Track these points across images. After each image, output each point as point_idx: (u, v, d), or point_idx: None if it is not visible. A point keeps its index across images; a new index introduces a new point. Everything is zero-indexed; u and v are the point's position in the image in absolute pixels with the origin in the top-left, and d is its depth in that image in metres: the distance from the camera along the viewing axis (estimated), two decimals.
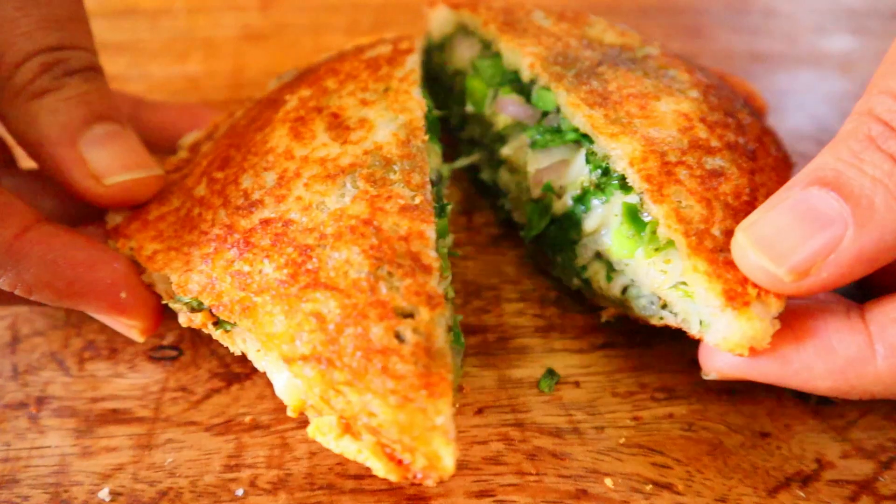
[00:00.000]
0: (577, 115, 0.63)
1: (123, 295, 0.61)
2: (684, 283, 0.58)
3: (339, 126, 0.64)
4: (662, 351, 0.69)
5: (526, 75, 0.69)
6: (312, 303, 0.53)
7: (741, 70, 0.96)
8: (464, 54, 0.80)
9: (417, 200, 0.57)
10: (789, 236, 0.51)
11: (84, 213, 0.69)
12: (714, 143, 0.63)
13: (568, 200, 0.67)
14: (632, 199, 0.61)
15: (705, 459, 0.61)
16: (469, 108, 0.77)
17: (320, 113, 0.66)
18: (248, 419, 0.64)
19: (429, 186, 0.59)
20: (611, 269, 0.65)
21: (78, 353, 0.70)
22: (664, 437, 0.63)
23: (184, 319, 0.61)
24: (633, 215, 0.61)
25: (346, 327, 0.52)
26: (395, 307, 0.52)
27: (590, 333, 0.71)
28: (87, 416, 0.65)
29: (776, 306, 0.54)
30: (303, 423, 0.64)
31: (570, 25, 0.75)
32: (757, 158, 0.64)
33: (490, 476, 0.60)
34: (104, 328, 0.71)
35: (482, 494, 0.59)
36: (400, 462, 0.50)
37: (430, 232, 0.56)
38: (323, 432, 0.53)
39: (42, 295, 0.59)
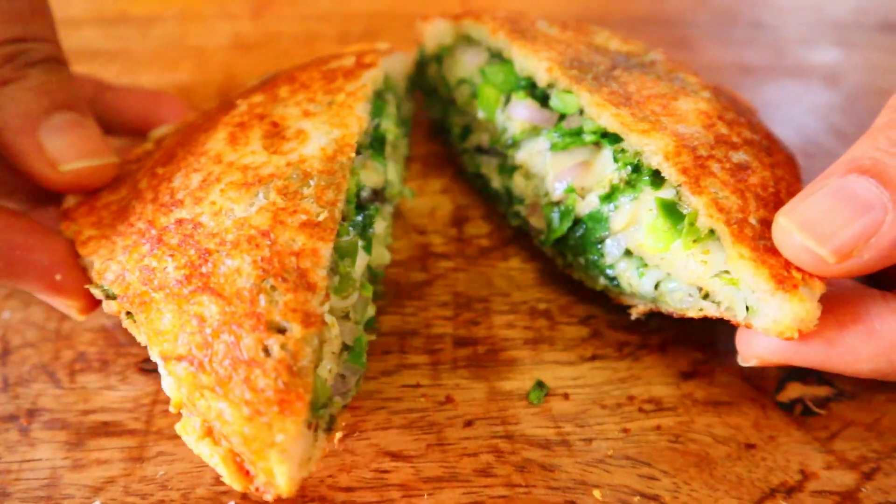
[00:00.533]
0: (604, 115, 0.64)
1: (58, 277, 0.64)
2: (726, 272, 0.59)
3: (275, 135, 0.65)
4: (650, 363, 0.70)
5: (543, 79, 0.70)
6: (198, 305, 0.54)
7: (729, 81, 0.97)
8: (469, 63, 0.80)
9: (321, 218, 0.57)
10: (832, 219, 0.53)
11: (49, 194, 0.71)
12: (735, 139, 0.65)
13: (593, 200, 0.67)
14: (665, 193, 0.62)
15: (692, 471, 0.62)
16: (480, 114, 0.78)
17: (262, 120, 0.67)
18: None
19: (341, 205, 0.59)
20: (641, 264, 0.66)
21: (69, 365, 0.70)
22: (651, 449, 0.64)
23: (104, 306, 0.63)
24: (669, 209, 0.61)
25: (222, 333, 0.53)
26: (269, 321, 0.52)
27: (579, 346, 0.71)
28: (78, 429, 0.65)
29: (819, 289, 0.56)
30: None
31: (576, 34, 0.77)
32: (772, 154, 0.66)
33: (480, 488, 0.61)
34: (95, 341, 0.72)
35: None
36: (248, 473, 0.51)
37: (325, 251, 0.55)
38: (187, 432, 0.54)
39: None
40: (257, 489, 0.50)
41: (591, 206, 0.68)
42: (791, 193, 0.62)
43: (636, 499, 0.60)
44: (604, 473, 0.62)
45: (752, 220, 0.58)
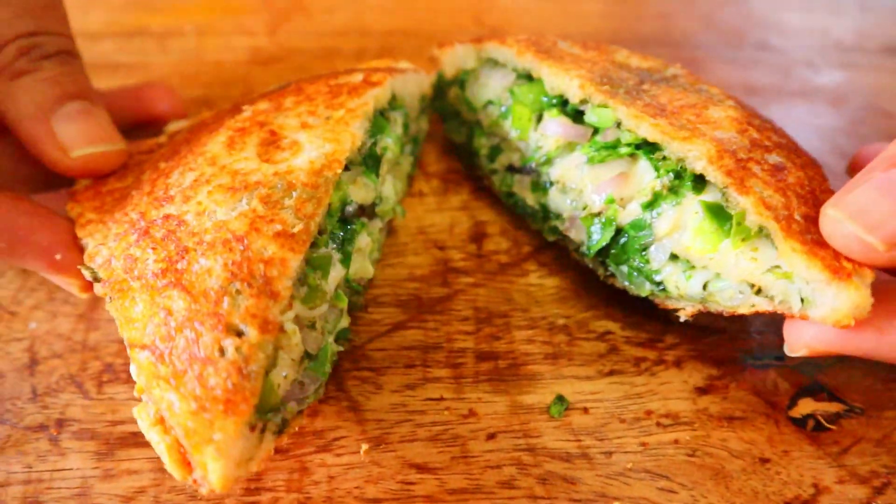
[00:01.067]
0: (643, 126, 0.66)
1: (58, 256, 0.67)
2: (778, 267, 0.62)
3: (271, 144, 0.67)
4: (666, 379, 0.72)
5: (576, 96, 0.72)
6: (168, 299, 0.57)
7: None
8: (496, 85, 0.82)
9: (296, 229, 0.59)
10: (880, 208, 0.55)
11: (62, 179, 0.75)
12: (766, 142, 0.68)
13: (634, 209, 0.70)
14: (707, 196, 0.65)
15: (709, 484, 0.64)
16: (513, 133, 0.80)
17: (262, 128, 0.69)
18: None
19: (319, 219, 0.61)
20: (688, 267, 0.68)
21: (96, 376, 0.71)
22: (669, 463, 0.65)
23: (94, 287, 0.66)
24: (716, 211, 0.64)
25: (184, 329, 0.55)
26: (228, 323, 0.54)
27: (597, 361, 0.73)
28: (107, 439, 0.66)
29: (870, 277, 0.58)
30: (321, 448, 0.66)
31: (598, 52, 0.79)
32: (800, 156, 0.69)
33: (503, 500, 0.62)
34: (121, 352, 0.73)
35: None
36: (189, 465, 0.53)
37: (294, 262, 0.57)
38: (142, 417, 0.56)
39: None
40: (194, 481, 0.53)
41: (632, 215, 0.70)
42: (824, 191, 0.66)
43: None
44: (624, 486, 0.64)
45: (797, 217, 0.61)
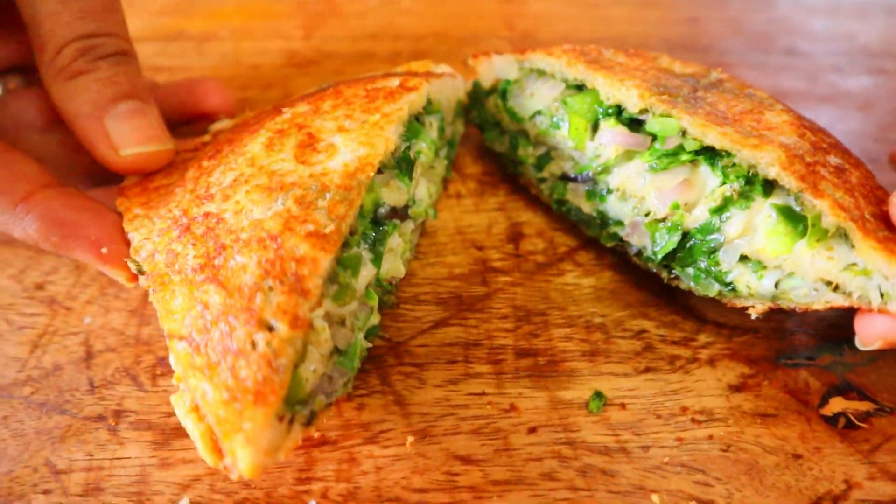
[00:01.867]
0: (711, 135, 0.69)
1: (104, 250, 0.71)
2: (854, 265, 0.65)
3: (308, 146, 0.69)
4: (700, 377, 0.74)
5: (636, 106, 0.73)
6: (205, 293, 0.60)
7: None
8: (545, 95, 0.84)
9: (328, 230, 0.61)
10: None
11: (114, 174, 0.79)
12: (823, 144, 0.71)
13: (700, 214, 0.72)
14: (778, 199, 0.67)
15: (743, 479, 0.66)
16: (569, 143, 0.81)
17: (300, 130, 0.71)
18: (316, 435, 0.69)
19: (350, 220, 0.63)
20: (759, 267, 0.70)
21: (150, 369, 0.74)
22: (705, 457, 0.68)
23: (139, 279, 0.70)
24: (789, 213, 0.66)
25: (219, 322, 0.58)
26: (261, 318, 0.57)
27: (633, 359, 0.75)
28: (163, 430, 0.69)
29: None
30: (368, 440, 0.68)
31: (642, 60, 0.81)
32: (849, 155, 0.73)
33: (545, 491, 0.65)
34: None
35: None
36: (220, 451, 0.56)
37: (325, 261, 0.60)
38: (179, 404, 0.59)
39: (44, 245, 0.72)
40: (225, 467, 0.56)
41: (699, 220, 0.72)
42: (877, 188, 0.69)
43: (692, 503, 0.64)
44: (661, 479, 0.66)
45: (867, 216, 0.64)
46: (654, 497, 0.65)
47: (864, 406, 0.72)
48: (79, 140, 0.76)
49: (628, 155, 0.76)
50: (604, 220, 0.81)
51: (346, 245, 0.65)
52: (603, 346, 0.76)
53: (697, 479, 0.66)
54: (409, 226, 0.78)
